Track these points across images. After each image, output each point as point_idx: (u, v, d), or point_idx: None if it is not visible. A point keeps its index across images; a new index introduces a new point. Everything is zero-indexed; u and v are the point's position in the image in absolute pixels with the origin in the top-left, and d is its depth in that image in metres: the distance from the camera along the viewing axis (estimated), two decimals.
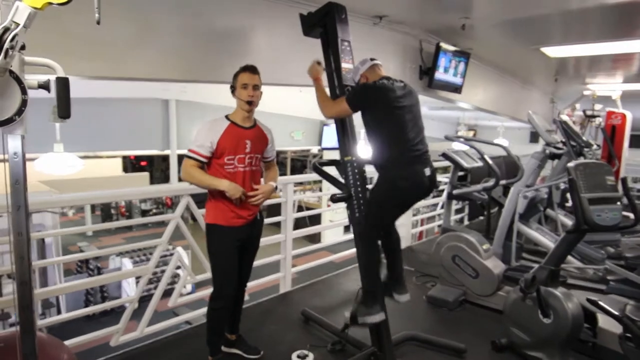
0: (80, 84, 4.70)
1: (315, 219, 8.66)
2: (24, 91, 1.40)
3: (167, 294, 3.14)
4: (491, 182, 3.70)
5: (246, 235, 2.44)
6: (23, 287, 1.51)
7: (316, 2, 2.67)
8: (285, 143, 9.91)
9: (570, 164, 2.54)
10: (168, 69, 2.88)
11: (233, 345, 2.70)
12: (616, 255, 3.86)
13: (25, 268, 1.50)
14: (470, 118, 12.06)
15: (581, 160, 3.54)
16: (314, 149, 13.73)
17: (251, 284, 3.27)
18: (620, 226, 2.51)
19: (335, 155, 2.64)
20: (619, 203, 2.48)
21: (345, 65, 2.55)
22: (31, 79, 1.44)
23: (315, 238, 8.57)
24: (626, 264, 3.59)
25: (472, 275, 3.52)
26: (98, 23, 1.38)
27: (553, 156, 3.97)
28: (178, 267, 3.33)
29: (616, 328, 2.62)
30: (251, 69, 2.34)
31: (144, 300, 3.15)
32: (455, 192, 3.88)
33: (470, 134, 13.12)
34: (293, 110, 9.01)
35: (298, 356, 2.70)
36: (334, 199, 2.50)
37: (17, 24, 1.27)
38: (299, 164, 18.12)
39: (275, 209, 3.95)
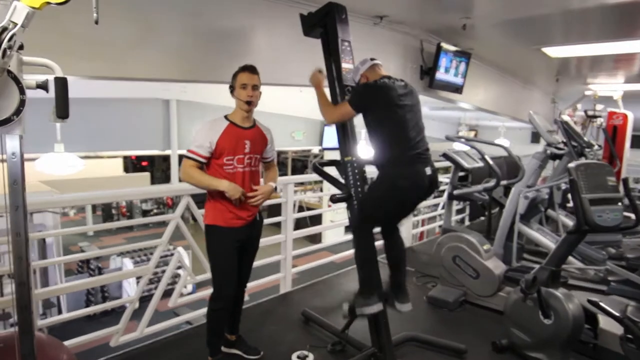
0: (81, 84, 4.73)
1: (316, 219, 8.65)
2: (22, 91, 1.40)
3: (168, 294, 3.14)
4: (492, 183, 3.70)
5: (246, 236, 2.44)
6: (22, 287, 1.51)
7: (316, 2, 2.66)
8: (286, 143, 9.90)
9: (571, 165, 2.53)
10: (168, 69, 2.88)
11: (233, 345, 2.69)
12: (617, 256, 3.85)
13: (23, 268, 1.50)
14: (472, 118, 12.04)
15: (582, 160, 3.53)
16: (315, 149, 13.71)
17: (251, 285, 3.27)
18: (621, 227, 2.50)
19: (336, 155, 2.63)
20: (620, 204, 2.47)
21: (346, 65, 2.54)
22: (29, 79, 1.43)
23: (316, 238, 8.56)
24: (627, 264, 3.58)
25: (472, 276, 3.51)
26: (96, 23, 1.38)
27: (554, 156, 3.96)
28: (179, 267, 3.33)
29: (617, 329, 2.60)
30: (250, 69, 2.33)
31: (145, 300, 3.14)
32: (455, 192, 3.87)
33: (472, 134, 13.10)
34: (294, 110, 9.01)
35: (298, 357, 2.70)
36: (333, 199, 2.49)
37: (15, 24, 1.27)
38: (299, 164, 18.11)
39: (276, 209, 3.94)
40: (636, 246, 3.86)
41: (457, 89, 5.16)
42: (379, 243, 2.54)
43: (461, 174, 4.00)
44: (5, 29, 1.26)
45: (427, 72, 4.74)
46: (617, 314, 2.56)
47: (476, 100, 6.11)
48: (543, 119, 4.02)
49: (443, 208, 5.53)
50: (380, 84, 2.36)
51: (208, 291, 2.53)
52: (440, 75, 4.76)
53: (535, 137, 10.94)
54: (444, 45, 4.64)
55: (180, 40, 2.88)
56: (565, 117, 4.23)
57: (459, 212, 6.77)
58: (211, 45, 3.02)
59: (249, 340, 2.74)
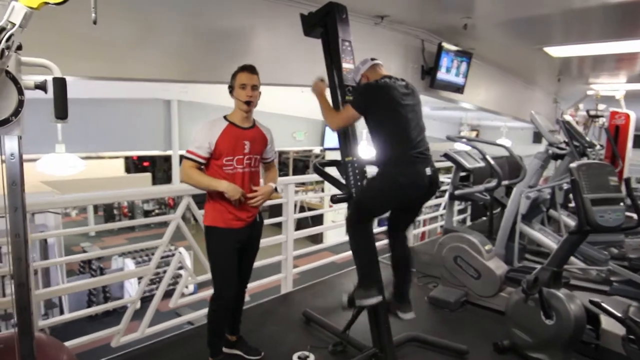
0: (83, 85, 4.74)
1: (318, 220, 8.64)
2: (20, 92, 1.39)
3: (170, 294, 3.14)
4: (493, 183, 3.68)
5: (246, 237, 2.43)
6: (21, 288, 1.50)
7: (317, 2, 2.66)
8: (288, 143, 9.90)
9: (573, 165, 2.52)
10: (168, 70, 2.87)
11: (234, 346, 2.69)
12: (620, 256, 3.84)
13: (22, 269, 1.49)
14: (473, 118, 12.01)
15: (584, 160, 3.51)
16: (316, 149, 13.71)
17: (252, 285, 3.26)
18: (623, 227, 2.49)
19: (338, 155, 2.62)
20: (622, 204, 2.46)
21: (346, 65, 2.53)
22: (28, 79, 1.43)
23: (317, 238, 8.55)
24: (630, 265, 3.57)
25: (474, 276, 3.50)
26: (95, 23, 1.38)
27: (556, 156, 3.95)
28: (180, 268, 3.33)
29: (619, 330, 2.59)
30: (250, 69, 2.32)
31: (147, 300, 3.14)
32: (457, 192, 3.86)
33: (473, 134, 13.07)
34: (295, 110, 9.01)
35: (299, 357, 2.69)
36: (334, 199, 2.48)
37: (13, 24, 1.26)
38: (301, 164, 18.10)
39: (277, 210, 3.94)
40: (638, 246, 3.84)
41: (459, 88, 5.15)
42: (380, 243, 2.53)
43: (463, 174, 3.99)
44: (3, 29, 1.26)
45: (428, 72, 4.74)
46: (619, 315, 2.55)
47: (477, 100, 6.10)
48: (545, 119, 4.00)
49: (444, 208, 5.52)
50: (381, 84, 2.36)
51: (209, 291, 2.53)
52: (442, 75, 4.75)
53: (537, 137, 10.91)
54: (445, 45, 4.63)
55: (180, 41, 2.87)
56: (567, 117, 4.21)
57: (460, 212, 6.75)
58: (211, 45, 3.01)
59: (249, 341, 2.73)
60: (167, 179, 16.39)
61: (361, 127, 2.52)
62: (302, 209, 10.85)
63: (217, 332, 2.50)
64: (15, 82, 1.39)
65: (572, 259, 3.70)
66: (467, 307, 3.55)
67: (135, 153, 14.66)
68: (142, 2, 2.65)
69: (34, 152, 5.15)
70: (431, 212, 6.67)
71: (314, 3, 2.78)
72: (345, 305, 2.52)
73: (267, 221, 2.74)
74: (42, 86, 1.45)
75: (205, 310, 2.48)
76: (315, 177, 3.08)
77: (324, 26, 2.56)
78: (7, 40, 1.27)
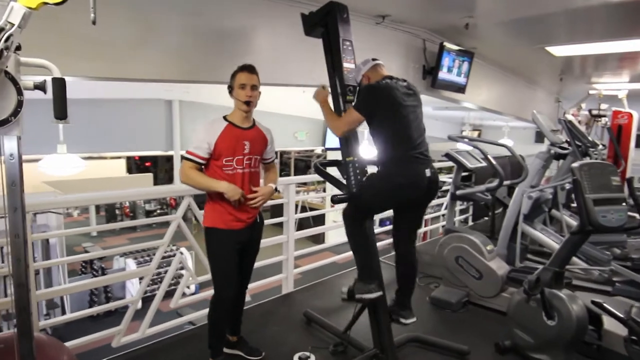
0: (84, 85, 4.73)
1: (319, 220, 8.64)
2: (19, 92, 1.39)
3: (172, 294, 3.13)
4: (495, 183, 3.67)
5: (246, 238, 2.42)
6: (20, 289, 1.50)
7: (317, 2, 2.65)
8: (289, 143, 9.89)
9: (575, 165, 2.51)
10: (168, 70, 2.87)
11: (235, 346, 2.69)
12: (622, 256, 3.82)
13: (22, 270, 1.49)
14: (475, 118, 11.98)
15: (586, 160, 3.50)
16: (318, 149, 13.71)
17: (253, 285, 3.27)
18: (625, 227, 2.47)
19: (339, 155, 2.61)
20: (624, 204, 2.44)
21: (347, 65, 2.52)
22: (27, 79, 1.43)
23: (319, 238, 8.55)
24: (632, 265, 3.56)
25: (475, 277, 3.49)
26: (94, 23, 1.38)
27: (558, 156, 3.94)
28: (181, 268, 3.33)
29: (622, 330, 2.58)
30: (249, 69, 2.31)
31: (149, 301, 3.14)
32: (458, 192, 3.84)
33: (475, 134, 13.04)
34: (296, 110, 9.00)
35: (300, 358, 2.69)
36: (334, 199, 2.47)
37: (12, 24, 1.26)
38: (302, 164, 18.09)
39: (278, 210, 3.94)
40: None
41: (460, 88, 5.14)
42: (381, 244, 2.52)
43: (464, 174, 3.97)
44: (2, 29, 1.25)
45: (430, 72, 4.72)
46: (621, 316, 2.54)
47: (479, 99, 6.08)
48: (547, 119, 3.99)
49: (446, 208, 5.52)
50: (382, 85, 2.35)
51: (210, 291, 2.52)
52: (443, 74, 4.74)
53: (540, 137, 10.87)
54: (447, 44, 4.62)
55: (180, 41, 2.87)
56: (570, 117, 4.20)
57: (462, 212, 6.75)
58: (211, 45, 3.01)
59: (250, 341, 2.73)
60: (169, 179, 16.38)
61: (362, 127, 2.51)
62: (303, 209, 10.84)
63: (218, 333, 2.50)
64: (15, 82, 1.38)
65: (574, 259, 3.68)
66: (469, 308, 3.54)
67: (137, 153, 14.66)
68: (142, 2, 2.65)
69: (35, 153, 5.17)
70: (433, 212, 6.66)
71: (314, 2, 2.77)
72: (344, 297, 2.51)
73: (268, 221, 2.74)
74: (41, 86, 1.45)
75: (206, 311, 2.48)
76: (317, 177, 3.07)
77: (325, 26, 2.54)
78: (6, 40, 1.26)
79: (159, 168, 18.24)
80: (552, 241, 3.75)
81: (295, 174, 16.52)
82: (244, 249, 2.43)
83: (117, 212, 14.06)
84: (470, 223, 6.88)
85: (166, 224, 3.08)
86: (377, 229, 4.98)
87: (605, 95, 6.85)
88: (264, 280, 3.73)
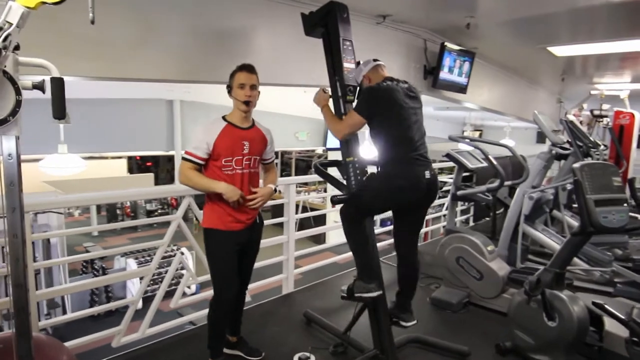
0: (85, 85, 4.73)
1: (320, 220, 8.64)
2: (18, 92, 1.38)
3: (173, 294, 3.13)
4: (496, 183, 3.66)
5: (245, 239, 2.41)
6: (18, 289, 1.49)
7: (318, 1, 2.64)
8: (290, 143, 9.89)
9: (576, 165, 2.49)
10: (168, 70, 2.86)
11: (235, 347, 2.68)
12: (623, 257, 3.81)
13: (20, 270, 1.48)
14: (477, 118, 11.96)
15: (587, 161, 3.49)
16: (319, 150, 13.71)
17: (253, 285, 3.26)
18: (627, 228, 2.46)
19: (340, 155, 2.61)
20: (625, 204, 2.43)
21: (347, 65, 2.52)
22: (26, 79, 1.42)
23: (320, 238, 8.55)
24: (634, 266, 3.54)
25: (476, 277, 3.48)
26: (92, 23, 1.37)
27: (559, 157, 3.93)
28: (182, 268, 3.33)
29: (623, 332, 2.57)
30: (248, 68, 2.30)
31: (150, 300, 3.14)
32: (459, 193, 3.83)
33: (476, 134, 13.03)
34: (297, 110, 9.00)
35: (300, 358, 2.68)
36: (334, 200, 2.47)
37: (10, 24, 1.26)
38: (303, 164, 18.10)
39: (279, 210, 3.93)
40: None
41: (461, 88, 5.12)
42: (382, 244, 2.51)
43: (465, 174, 3.96)
44: (0, 29, 1.25)
45: (431, 72, 4.71)
46: (622, 317, 2.53)
47: (480, 100, 6.07)
48: (548, 119, 3.98)
49: (447, 209, 5.51)
50: (384, 87, 2.34)
51: (211, 291, 2.51)
52: (444, 74, 4.73)
53: (541, 137, 10.84)
54: (448, 44, 4.61)
55: (181, 41, 2.86)
56: (571, 117, 4.19)
57: (463, 212, 6.74)
58: (211, 45, 3.00)
59: (250, 342, 2.73)
60: (170, 179, 16.42)
61: (363, 128, 2.50)
62: (304, 209, 10.84)
63: (217, 333, 2.49)
64: (13, 82, 1.38)
65: (576, 260, 3.68)
66: (469, 309, 3.53)
67: (137, 153, 14.68)
68: (142, 2, 2.64)
69: (36, 153, 5.18)
70: (434, 212, 6.65)
71: (315, 2, 2.76)
72: (344, 295, 2.50)
73: (268, 221, 2.73)
74: (39, 86, 1.45)
75: (207, 310, 2.48)
76: (318, 177, 3.06)
77: (325, 26, 2.54)
78: (4, 40, 1.26)
79: (160, 168, 18.27)
80: (553, 242, 3.74)
81: (296, 174, 16.51)
82: (244, 250, 2.42)
83: (118, 212, 14.08)
84: (471, 223, 6.87)
85: (167, 224, 3.08)
86: (378, 229, 4.99)
87: (607, 95, 6.84)
88: (264, 280, 3.72)
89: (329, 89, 2.56)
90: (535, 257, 4.16)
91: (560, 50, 5.02)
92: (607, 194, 2.42)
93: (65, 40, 2.29)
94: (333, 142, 10.02)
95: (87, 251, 8.44)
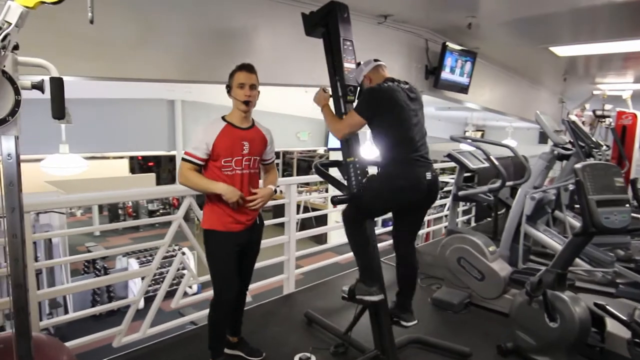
0: (86, 85, 4.74)
1: (322, 220, 8.64)
2: (17, 92, 1.38)
3: (174, 294, 3.13)
4: (498, 184, 3.65)
5: (245, 240, 2.40)
6: (18, 289, 1.49)
7: (318, 1, 2.64)
8: (291, 143, 9.88)
9: (577, 165, 2.48)
10: (168, 70, 2.86)
11: (235, 347, 2.68)
12: (626, 258, 3.80)
13: (20, 270, 1.48)
14: (479, 118, 11.94)
15: (589, 161, 3.47)
16: (320, 150, 13.70)
17: (254, 286, 3.25)
18: (629, 229, 2.45)
19: (341, 155, 2.60)
20: (628, 205, 2.42)
21: (348, 65, 2.51)
22: (25, 79, 1.42)
23: (321, 239, 8.54)
24: (636, 267, 3.54)
25: (477, 278, 3.47)
26: (91, 22, 1.37)
27: (561, 157, 3.92)
28: (183, 268, 3.33)
29: (625, 333, 2.55)
30: (248, 68, 2.28)
31: (151, 300, 3.14)
32: (461, 193, 3.82)
33: (478, 134, 13.01)
34: (299, 110, 9.00)
35: (300, 358, 2.68)
36: (334, 200, 2.46)
37: (9, 24, 1.26)
38: (305, 164, 18.10)
39: (280, 210, 3.93)
40: None
41: (463, 88, 5.11)
42: (382, 244, 2.51)
43: (467, 174, 3.96)
44: None
45: (432, 72, 4.71)
46: (624, 318, 2.51)
47: (482, 100, 6.06)
48: (550, 119, 3.97)
49: (449, 209, 5.50)
50: (385, 88, 2.34)
51: (212, 292, 2.52)
52: (446, 75, 4.73)
53: (543, 138, 10.83)
54: (449, 44, 4.61)
55: (181, 41, 2.86)
56: (573, 117, 4.18)
57: (465, 213, 6.72)
58: (212, 45, 3.00)
59: (251, 342, 2.72)
60: (172, 179, 16.42)
61: (364, 128, 2.50)
62: (305, 209, 10.83)
63: (218, 334, 2.48)
64: (12, 82, 1.38)
65: (578, 260, 3.66)
66: (471, 309, 3.52)
67: (139, 153, 14.69)
68: (142, 2, 2.64)
69: (38, 153, 5.18)
70: (435, 212, 6.64)
71: (315, 2, 2.76)
72: (345, 296, 2.50)
73: (269, 221, 2.72)
74: (39, 86, 1.45)
75: (208, 310, 2.47)
76: (318, 177, 3.06)
77: (326, 26, 2.53)
78: (3, 39, 1.26)
79: (162, 168, 18.28)
80: (555, 242, 3.73)
81: (297, 174, 16.52)
82: (244, 251, 2.41)
83: (120, 212, 14.10)
84: (473, 224, 6.85)
85: (169, 224, 3.08)
86: (379, 230, 4.98)
87: (610, 95, 6.83)
88: (265, 280, 3.72)
89: (330, 89, 2.56)
90: (537, 258, 4.15)
91: (562, 51, 5.00)
92: (609, 195, 2.41)
93: (64, 40, 2.29)
94: (334, 142, 9.95)
95: (89, 251, 8.44)
